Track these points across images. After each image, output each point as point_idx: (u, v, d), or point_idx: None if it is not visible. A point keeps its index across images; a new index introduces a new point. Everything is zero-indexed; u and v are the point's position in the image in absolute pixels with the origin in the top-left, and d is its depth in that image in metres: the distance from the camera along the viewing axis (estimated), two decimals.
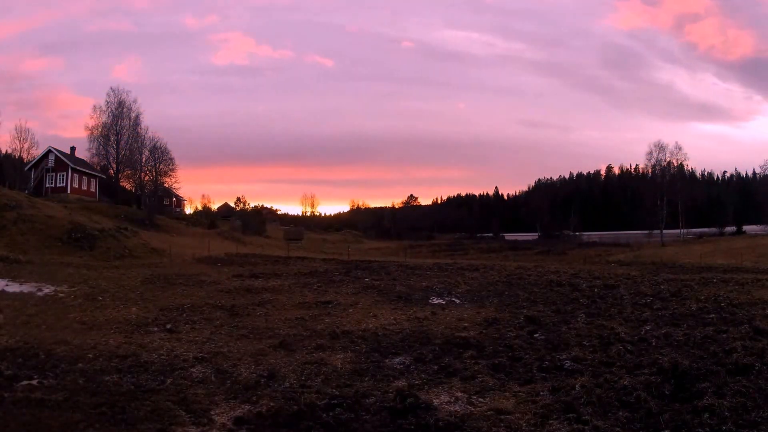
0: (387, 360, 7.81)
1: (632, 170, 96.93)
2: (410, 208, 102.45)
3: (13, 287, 13.50)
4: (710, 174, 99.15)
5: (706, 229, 56.04)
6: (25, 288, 13.50)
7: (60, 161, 43.58)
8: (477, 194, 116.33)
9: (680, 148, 55.54)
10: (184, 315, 11.16)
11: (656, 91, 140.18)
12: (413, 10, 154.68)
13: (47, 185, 42.84)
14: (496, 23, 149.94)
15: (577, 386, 6.11)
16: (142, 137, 46.70)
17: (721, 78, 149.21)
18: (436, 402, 5.90)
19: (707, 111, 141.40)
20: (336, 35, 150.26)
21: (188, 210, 73.56)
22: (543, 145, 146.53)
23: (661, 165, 55.48)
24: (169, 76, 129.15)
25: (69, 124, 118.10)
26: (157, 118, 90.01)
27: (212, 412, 5.55)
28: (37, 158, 43.52)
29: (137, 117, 46.85)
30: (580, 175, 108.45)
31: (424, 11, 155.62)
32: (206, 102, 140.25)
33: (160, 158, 46.58)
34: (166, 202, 58.26)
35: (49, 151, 43.87)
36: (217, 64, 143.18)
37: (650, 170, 58.77)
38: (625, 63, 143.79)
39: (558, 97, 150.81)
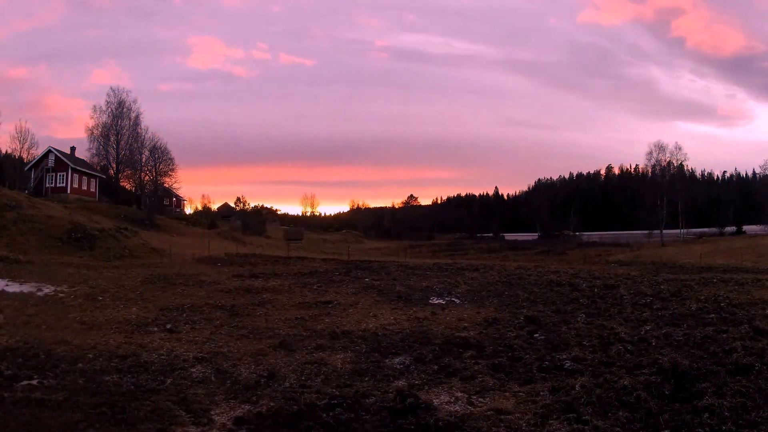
0: (387, 360, 7.80)
1: (632, 170, 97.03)
2: (410, 208, 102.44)
3: (13, 287, 13.50)
4: (710, 174, 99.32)
5: (706, 229, 56.01)
6: (25, 288, 13.50)
7: (60, 161, 43.58)
8: (477, 194, 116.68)
9: (680, 148, 55.70)
10: (184, 315, 11.17)
11: (640, 89, 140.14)
12: (374, 15, 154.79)
13: (47, 185, 42.84)
14: (470, 26, 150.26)
15: (577, 386, 6.11)
16: (142, 137, 46.85)
17: (701, 75, 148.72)
18: (436, 402, 5.90)
19: (691, 109, 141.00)
20: (308, 40, 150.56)
21: (188, 210, 73.69)
22: (540, 145, 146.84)
23: (660, 165, 55.57)
24: (149, 80, 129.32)
25: (60, 127, 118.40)
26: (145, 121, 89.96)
27: (212, 412, 5.55)
28: (37, 158, 43.52)
29: (137, 117, 47.05)
30: (580, 175, 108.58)
31: (389, 16, 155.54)
32: (193, 105, 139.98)
33: (160, 158, 46.64)
34: (166, 202, 58.28)
35: (49, 151, 43.87)
36: (199, 68, 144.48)
37: (650, 170, 58.85)
38: (610, 61, 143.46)
39: (549, 97, 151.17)
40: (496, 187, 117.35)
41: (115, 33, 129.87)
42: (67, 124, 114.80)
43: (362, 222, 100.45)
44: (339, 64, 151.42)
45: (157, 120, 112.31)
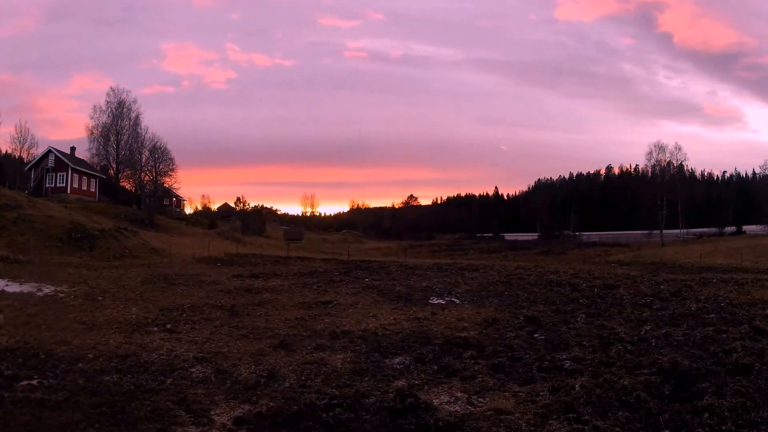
0: (387, 360, 7.81)
1: (632, 170, 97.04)
2: (410, 208, 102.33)
3: (13, 287, 13.51)
4: (710, 174, 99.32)
5: (706, 229, 55.97)
6: (25, 288, 13.50)
7: (60, 161, 43.56)
8: (477, 194, 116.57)
9: (680, 148, 55.63)
10: (184, 315, 11.17)
11: (626, 88, 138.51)
12: (337, 17, 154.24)
13: (47, 185, 42.81)
14: (443, 29, 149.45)
15: (577, 386, 6.11)
16: (142, 137, 46.77)
17: (689, 73, 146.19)
18: (436, 402, 5.90)
19: (679, 108, 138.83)
20: (280, 42, 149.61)
21: (188, 210, 73.66)
22: (534, 146, 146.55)
23: (660, 165, 55.55)
24: (130, 85, 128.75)
25: (51, 129, 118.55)
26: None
27: (212, 412, 5.55)
28: (37, 158, 43.51)
29: (137, 117, 47.02)
30: (579, 175, 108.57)
31: (356, 18, 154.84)
32: (178, 108, 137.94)
33: (160, 158, 46.58)
34: (166, 202, 58.21)
35: (49, 151, 43.86)
36: (178, 72, 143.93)
37: (650, 170, 58.86)
38: (590, 58, 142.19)
39: (539, 97, 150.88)
40: (496, 187, 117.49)
41: (89, 41, 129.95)
42: (58, 127, 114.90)
43: (362, 222, 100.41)
44: (319, 66, 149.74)
45: (146, 122, 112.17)
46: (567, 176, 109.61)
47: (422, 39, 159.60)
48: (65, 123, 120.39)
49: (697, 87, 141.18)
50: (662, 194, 52.12)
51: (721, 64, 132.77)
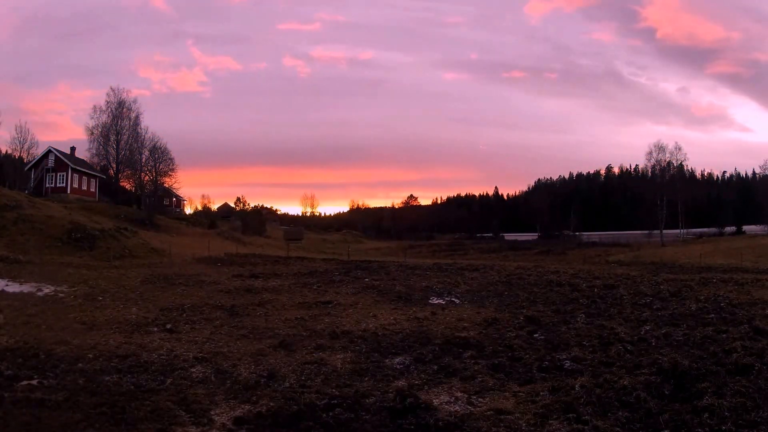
0: (387, 360, 7.81)
1: (632, 170, 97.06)
2: (410, 208, 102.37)
3: (13, 287, 13.51)
4: (710, 174, 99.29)
5: (706, 229, 55.96)
6: (25, 288, 13.51)
7: (60, 161, 43.58)
8: (477, 194, 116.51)
9: (680, 148, 55.59)
10: (184, 315, 11.17)
11: (609, 86, 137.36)
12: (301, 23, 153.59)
13: (47, 185, 42.83)
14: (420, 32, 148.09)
15: (577, 386, 6.11)
16: (142, 137, 46.79)
17: (662, 69, 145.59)
18: (436, 402, 5.90)
19: (665, 107, 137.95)
20: (246, 47, 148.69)
21: (188, 210, 73.68)
22: (540, 147, 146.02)
23: (660, 165, 55.52)
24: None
25: (45, 130, 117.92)
26: None
27: (212, 412, 5.55)
28: (37, 158, 43.53)
29: (137, 117, 47.08)
30: (579, 175, 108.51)
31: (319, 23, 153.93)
32: (163, 111, 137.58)
33: (160, 158, 46.54)
34: (166, 202, 58.22)
35: (49, 151, 43.88)
36: (150, 78, 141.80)
37: (650, 170, 58.86)
38: (576, 56, 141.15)
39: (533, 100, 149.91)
40: (496, 187, 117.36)
41: (55, 55, 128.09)
42: (48, 129, 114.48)
43: (362, 222, 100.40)
44: (292, 70, 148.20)
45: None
46: (567, 176, 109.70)
47: (400, 42, 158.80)
48: (54, 126, 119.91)
49: (687, 84, 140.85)
50: (662, 194, 52.09)
51: (706, 59, 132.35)
